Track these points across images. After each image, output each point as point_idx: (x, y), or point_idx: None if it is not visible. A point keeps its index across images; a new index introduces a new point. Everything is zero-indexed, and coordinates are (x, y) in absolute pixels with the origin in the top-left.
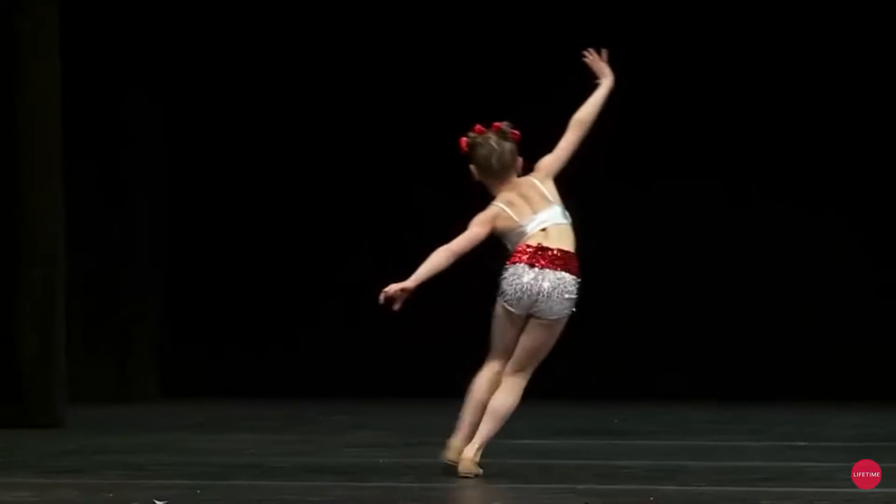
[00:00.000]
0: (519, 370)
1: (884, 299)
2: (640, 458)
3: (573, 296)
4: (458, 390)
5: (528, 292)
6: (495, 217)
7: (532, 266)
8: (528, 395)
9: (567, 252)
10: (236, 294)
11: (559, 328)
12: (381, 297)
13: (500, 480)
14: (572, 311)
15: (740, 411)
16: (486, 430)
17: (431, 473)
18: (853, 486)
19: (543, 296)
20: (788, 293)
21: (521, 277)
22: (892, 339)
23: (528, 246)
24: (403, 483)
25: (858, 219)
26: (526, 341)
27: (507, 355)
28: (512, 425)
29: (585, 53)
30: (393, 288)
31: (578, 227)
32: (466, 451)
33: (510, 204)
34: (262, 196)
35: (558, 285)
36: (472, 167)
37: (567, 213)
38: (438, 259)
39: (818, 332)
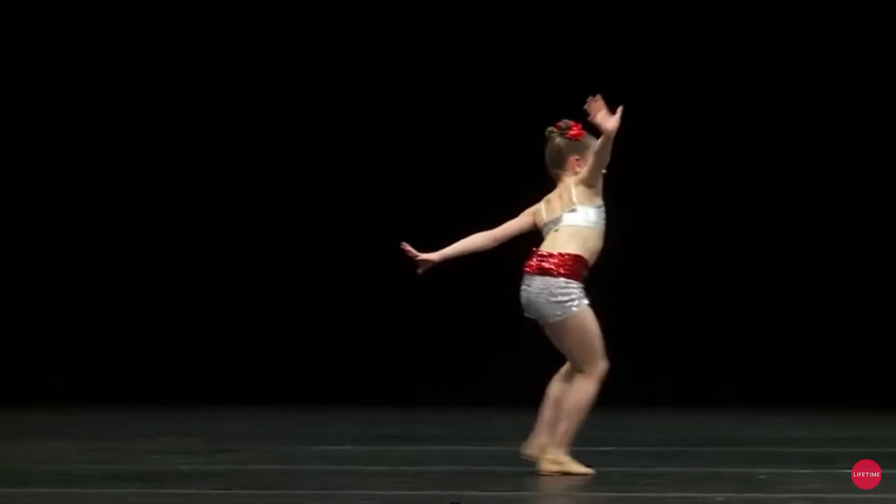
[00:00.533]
0: (576, 370)
1: (677, 304)
2: (441, 464)
3: (559, 298)
4: (261, 398)
5: (523, 299)
6: (535, 212)
7: (527, 272)
8: (331, 400)
9: (562, 255)
10: (51, 301)
11: (567, 329)
12: (403, 246)
13: (305, 486)
14: (573, 310)
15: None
16: (560, 429)
17: (234, 479)
18: (654, 490)
19: (531, 301)
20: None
21: (521, 284)
22: (694, 343)
23: (534, 248)
24: (206, 489)
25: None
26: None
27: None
28: (317, 431)
29: (587, 104)
30: (415, 252)
31: None
32: (549, 452)
33: (547, 201)
34: (69, 211)
35: (542, 289)
36: None
37: (591, 216)
38: (474, 240)
39: (624, 338)
